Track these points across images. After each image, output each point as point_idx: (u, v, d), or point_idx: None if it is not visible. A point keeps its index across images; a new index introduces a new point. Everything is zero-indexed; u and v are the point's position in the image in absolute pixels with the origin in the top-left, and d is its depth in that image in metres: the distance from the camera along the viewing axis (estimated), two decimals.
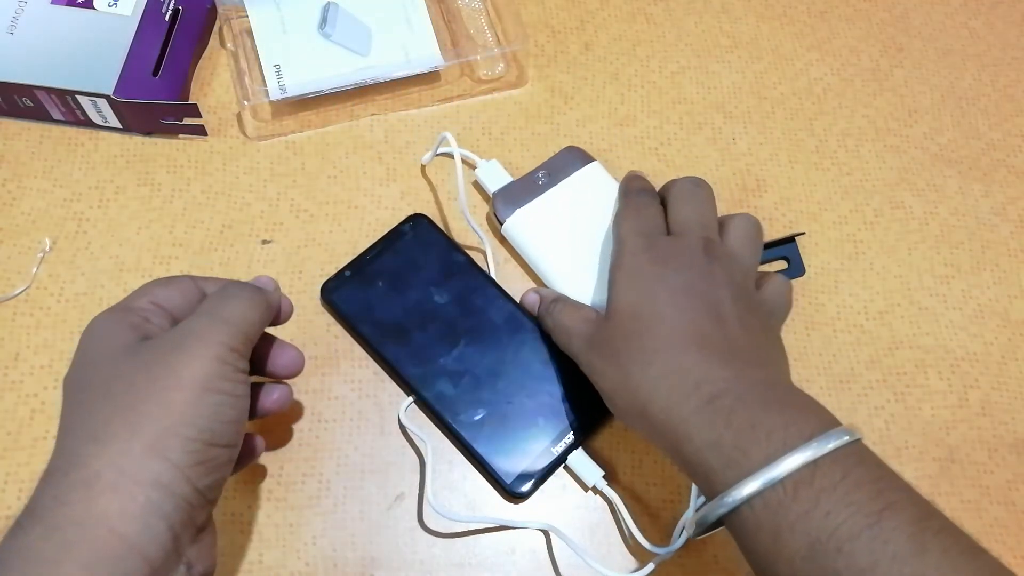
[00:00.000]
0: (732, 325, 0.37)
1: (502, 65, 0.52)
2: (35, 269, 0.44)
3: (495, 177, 0.47)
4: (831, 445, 0.31)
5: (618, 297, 0.39)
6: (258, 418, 0.38)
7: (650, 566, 0.40)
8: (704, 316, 0.37)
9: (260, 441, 0.39)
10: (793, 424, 0.32)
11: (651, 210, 0.42)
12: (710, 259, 0.39)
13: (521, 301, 0.44)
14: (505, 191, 0.47)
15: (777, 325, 0.41)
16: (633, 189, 0.44)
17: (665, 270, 0.38)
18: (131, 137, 0.48)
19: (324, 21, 0.49)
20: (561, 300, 0.42)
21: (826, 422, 0.33)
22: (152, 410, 0.30)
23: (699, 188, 0.42)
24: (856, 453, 0.32)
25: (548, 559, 0.41)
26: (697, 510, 0.34)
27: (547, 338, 0.44)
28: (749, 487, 0.31)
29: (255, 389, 0.37)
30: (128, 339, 0.33)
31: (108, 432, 0.30)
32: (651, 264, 0.39)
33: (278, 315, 0.38)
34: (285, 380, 0.39)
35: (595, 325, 0.39)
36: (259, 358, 0.37)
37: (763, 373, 0.36)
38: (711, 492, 0.33)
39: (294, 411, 0.43)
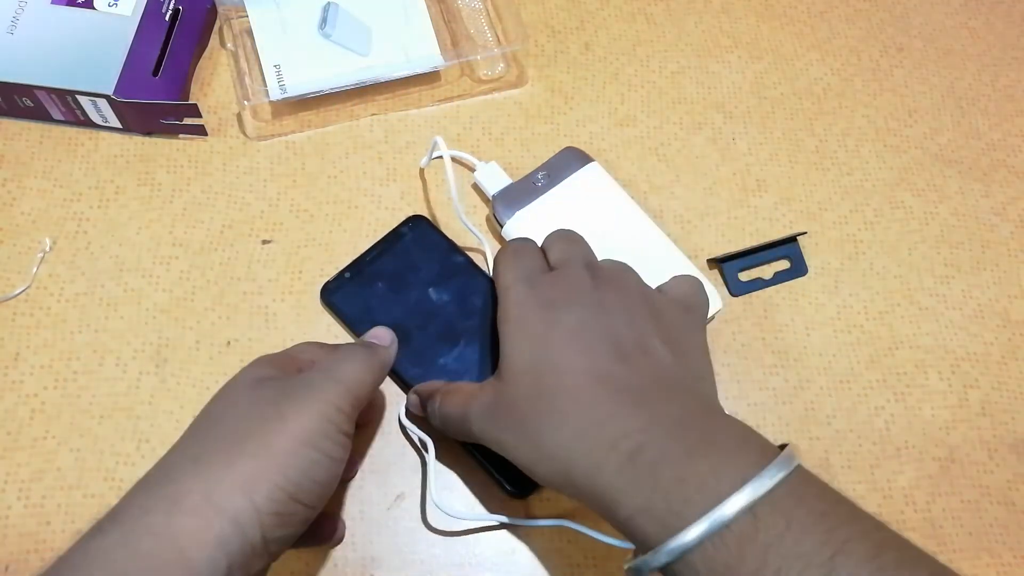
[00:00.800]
0: (637, 356, 0.34)
1: (502, 65, 0.52)
2: (35, 269, 0.44)
3: (494, 179, 0.47)
4: (766, 487, 0.28)
5: (511, 355, 0.35)
6: (306, 544, 0.38)
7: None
8: (606, 355, 0.33)
9: (342, 528, 0.40)
10: (723, 469, 0.29)
11: (529, 251, 0.39)
12: (597, 283, 0.36)
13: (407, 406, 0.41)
14: (504, 193, 0.47)
15: (697, 321, 0.38)
16: (509, 242, 0.41)
17: (554, 312, 0.35)
18: (131, 137, 0.48)
19: (324, 21, 0.49)
20: (439, 391, 0.38)
21: (759, 454, 0.30)
22: (252, 448, 0.31)
23: (574, 232, 0.40)
24: (796, 489, 0.29)
25: (549, 559, 0.41)
26: (632, 556, 0.32)
27: None
28: (690, 535, 0.28)
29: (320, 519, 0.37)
30: (266, 375, 0.34)
31: (207, 457, 0.31)
32: (538, 309, 0.35)
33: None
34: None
35: (488, 395, 0.35)
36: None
37: (682, 405, 0.32)
38: (646, 545, 0.30)
39: None
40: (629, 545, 0.40)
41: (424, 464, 0.42)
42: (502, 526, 0.41)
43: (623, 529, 0.31)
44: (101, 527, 0.30)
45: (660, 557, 0.29)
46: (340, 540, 0.40)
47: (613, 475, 0.31)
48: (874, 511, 0.43)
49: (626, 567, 0.31)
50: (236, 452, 0.31)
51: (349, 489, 0.41)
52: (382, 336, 0.39)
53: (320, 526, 0.38)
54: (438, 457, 0.41)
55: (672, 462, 0.30)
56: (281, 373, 0.35)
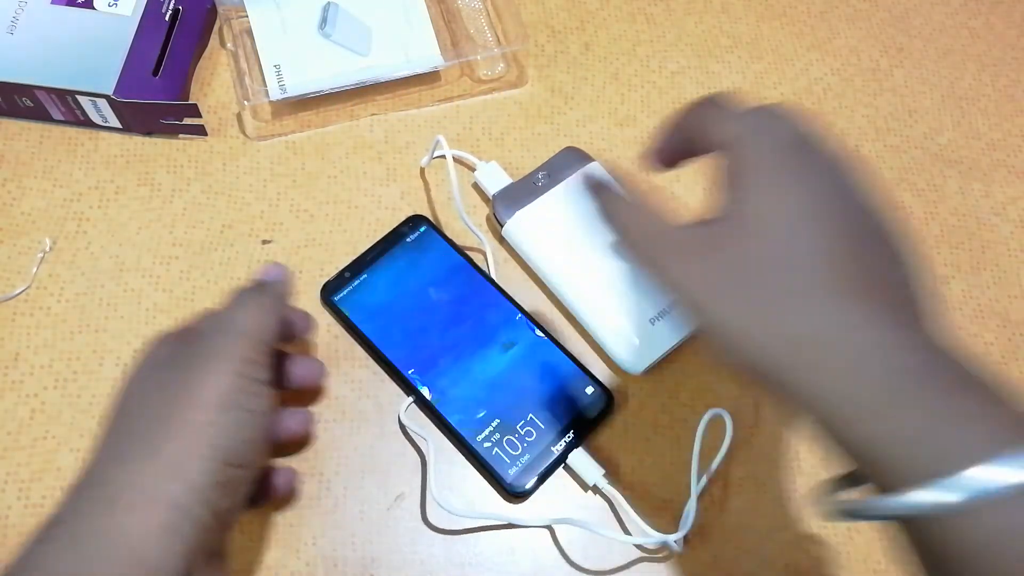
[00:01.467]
0: (884, 261, 0.28)
1: (502, 65, 0.52)
2: (35, 269, 0.44)
3: (494, 179, 0.47)
4: None
5: (756, 200, 0.27)
6: (279, 446, 0.38)
7: (674, 535, 0.40)
8: (864, 250, 0.27)
9: (290, 478, 0.39)
10: (990, 414, 0.24)
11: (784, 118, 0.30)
12: (844, 171, 0.29)
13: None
14: (505, 193, 0.47)
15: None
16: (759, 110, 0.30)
17: (808, 176, 0.28)
18: (131, 137, 0.48)
19: (324, 21, 0.49)
20: (621, 205, 0.31)
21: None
22: (170, 431, 0.30)
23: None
24: None
25: (548, 559, 0.41)
26: (838, 482, 0.27)
27: (548, 335, 0.44)
28: (978, 484, 0.22)
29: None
30: (164, 354, 0.33)
31: (129, 452, 0.30)
32: (791, 165, 0.28)
33: (293, 329, 0.38)
34: (305, 403, 0.40)
35: (705, 236, 0.28)
36: (276, 374, 0.37)
37: (924, 329, 0.28)
38: (888, 483, 0.25)
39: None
40: (629, 539, 0.40)
41: (424, 464, 0.42)
42: (492, 527, 0.41)
43: (850, 447, 0.26)
44: (45, 535, 0.29)
45: (907, 505, 0.23)
46: (291, 492, 0.39)
47: (859, 389, 0.25)
48: None
49: (833, 503, 0.26)
50: (158, 439, 0.30)
51: (349, 489, 0.41)
52: (270, 270, 0.38)
53: (267, 482, 0.38)
54: (438, 457, 0.41)
55: (932, 392, 0.25)
56: (181, 344, 0.34)
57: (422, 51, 0.50)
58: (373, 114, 0.50)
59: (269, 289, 0.36)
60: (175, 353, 0.33)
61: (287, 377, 0.39)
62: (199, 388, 0.31)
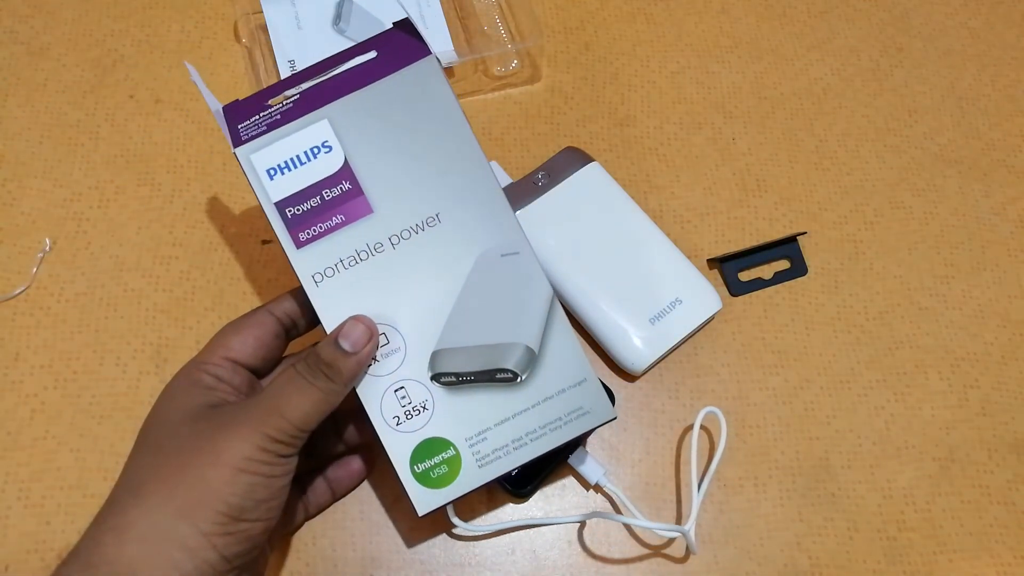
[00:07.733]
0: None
1: (516, 61, 0.52)
2: (35, 269, 0.44)
3: None
4: None
5: None
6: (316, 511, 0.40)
7: (688, 525, 0.40)
8: None
9: (357, 465, 0.40)
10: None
11: None
12: None
13: None
14: (505, 193, 0.46)
15: None
16: None
17: None
18: (131, 137, 0.48)
19: (339, 17, 0.49)
20: None
21: None
22: (188, 480, 0.31)
23: None
24: None
25: (548, 559, 0.41)
26: None
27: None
28: None
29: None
30: (196, 403, 0.34)
31: (147, 489, 0.32)
32: None
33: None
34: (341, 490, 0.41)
35: None
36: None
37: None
38: None
39: None
40: (646, 523, 0.40)
41: None
42: (507, 529, 0.41)
43: None
44: (64, 560, 0.31)
45: None
46: (363, 475, 0.41)
47: None
48: (874, 511, 0.43)
49: None
50: (174, 482, 0.31)
51: None
52: (356, 339, 0.34)
53: (337, 476, 0.40)
54: None
55: None
56: (207, 395, 0.34)
57: (436, 47, 0.50)
58: None
59: (334, 377, 0.33)
60: (214, 411, 0.34)
61: (324, 475, 0.40)
62: (223, 448, 0.32)
